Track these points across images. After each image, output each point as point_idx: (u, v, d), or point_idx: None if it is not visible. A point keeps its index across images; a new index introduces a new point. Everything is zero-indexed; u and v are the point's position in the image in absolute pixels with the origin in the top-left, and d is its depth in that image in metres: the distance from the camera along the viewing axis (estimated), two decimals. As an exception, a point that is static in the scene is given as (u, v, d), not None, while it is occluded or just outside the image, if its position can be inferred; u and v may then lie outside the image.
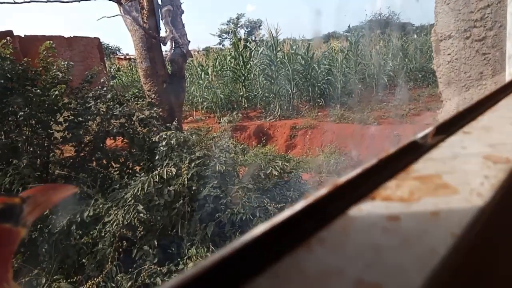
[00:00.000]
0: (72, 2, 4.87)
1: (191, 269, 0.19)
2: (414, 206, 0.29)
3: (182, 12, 5.66)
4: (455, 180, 0.32)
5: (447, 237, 0.24)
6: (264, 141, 8.84)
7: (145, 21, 5.21)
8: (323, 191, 0.27)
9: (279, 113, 9.84)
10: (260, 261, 0.22)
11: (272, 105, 10.32)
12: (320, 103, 10.45)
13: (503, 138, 0.41)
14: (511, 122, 0.46)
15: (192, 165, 3.70)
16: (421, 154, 0.38)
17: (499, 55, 1.25)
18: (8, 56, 4.09)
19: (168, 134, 4.02)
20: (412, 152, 0.38)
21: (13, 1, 4.67)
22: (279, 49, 10.89)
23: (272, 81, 10.51)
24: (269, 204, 3.67)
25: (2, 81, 3.98)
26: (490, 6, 1.27)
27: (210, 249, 3.39)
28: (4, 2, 4.67)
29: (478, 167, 0.35)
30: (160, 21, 5.48)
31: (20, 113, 3.91)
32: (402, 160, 0.36)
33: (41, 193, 0.68)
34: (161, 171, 3.55)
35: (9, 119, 3.97)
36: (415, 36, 14.88)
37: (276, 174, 4.12)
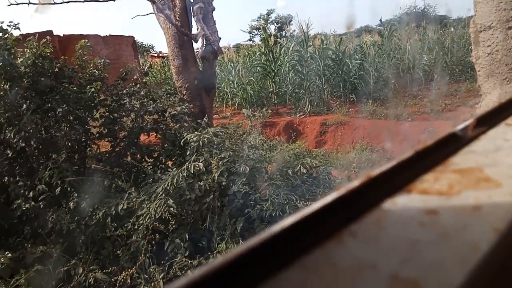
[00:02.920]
0: (108, 1, 5.04)
1: (223, 257, 0.19)
2: (454, 199, 0.27)
3: (213, 9, 5.70)
4: (498, 174, 0.30)
5: (490, 232, 0.23)
6: (293, 137, 8.78)
7: (178, 19, 5.29)
8: (355, 182, 0.26)
9: (309, 109, 9.74)
10: (290, 253, 0.21)
11: (302, 101, 10.23)
12: (352, 99, 10.25)
13: (550, 130, 0.39)
14: (560, 114, 0.43)
15: (222, 161, 3.73)
16: (461, 146, 0.36)
17: (544, 45, 1.17)
18: (48, 55, 4.26)
19: (199, 130, 4.08)
20: (451, 144, 0.36)
21: (53, 2, 4.86)
22: (310, 44, 10.76)
23: (302, 76, 10.41)
24: (298, 201, 3.65)
25: (42, 79, 4.15)
26: (535, -6, 1.19)
27: (240, 244, 3.41)
28: (45, 3, 4.87)
29: (523, 161, 0.33)
30: (192, 18, 5.54)
31: (58, 110, 4.07)
32: (440, 152, 0.34)
33: None
34: (191, 166, 3.61)
35: (49, 115, 4.14)
36: (452, 29, 14.30)
37: (305, 171, 4.09)
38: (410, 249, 0.22)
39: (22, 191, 3.75)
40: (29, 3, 4.70)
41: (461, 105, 8.87)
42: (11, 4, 4.71)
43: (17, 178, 3.91)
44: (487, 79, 1.39)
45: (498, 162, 0.33)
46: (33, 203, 3.64)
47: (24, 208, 3.58)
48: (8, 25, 4.15)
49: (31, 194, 3.73)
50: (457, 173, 0.31)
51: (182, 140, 4.22)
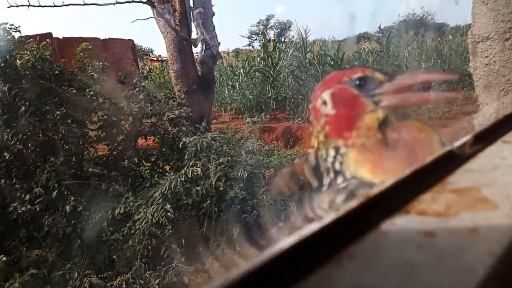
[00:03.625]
0: (107, 4, 5.05)
1: (219, 281, 0.19)
2: (451, 221, 0.27)
3: (213, 14, 5.72)
4: (495, 194, 0.31)
5: (486, 256, 0.23)
6: (291, 142, 8.79)
7: (177, 23, 5.30)
8: (354, 203, 0.26)
9: (307, 115, 9.75)
10: (287, 277, 0.21)
11: (300, 107, 10.25)
12: (350, 105, 10.26)
13: (546, 148, 0.39)
14: (556, 131, 0.43)
15: (220, 166, 3.73)
16: (458, 164, 0.36)
17: (542, 57, 1.19)
18: (47, 57, 4.27)
19: (197, 134, 4.08)
20: (449, 162, 0.36)
21: (53, 5, 4.87)
22: (308, 50, 10.80)
23: (301, 82, 10.44)
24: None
25: (42, 81, 4.15)
26: (533, 6, 1.21)
27: (236, 250, 3.40)
28: (45, 6, 4.88)
29: (520, 180, 0.33)
30: (192, 23, 5.57)
31: (57, 112, 4.06)
32: (437, 171, 0.34)
33: (413, 79, 0.67)
34: (189, 171, 3.60)
35: (47, 117, 4.13)
36: (450, 36, 14.40)
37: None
38: (408, 271, 0.22)
39: (18, 194, 3.73)
40: (29, 5, 4.71)
41: (459, 113, 8.90)
42: (11, 6, 4.72)
43: (14, 181, 3.89)
44: (484, 89, 1.40)
45: (495, 181, 0.33)
46: (29, 206, 3.61)
47: (20, 211, 3.56)
48: (9, 28, 4.16)
49: (27, 197, 3.71)
50: (455, 193, 0.31)
51: (180, 145, 4.22)
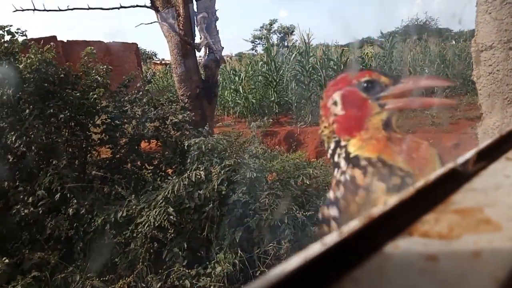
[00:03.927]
0: (112, 9, 5.08)
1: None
2: (454, 244, 0.27)
3: (217, 19, 5.75)
4: (498, 214, 0.31)
5: (489, 281, 0.23)
6: (294, 147, 8.78)
7: (181, 28, 5.33)
8: (357, 224, 0.27)
9: (310, 119, 9.75)
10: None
11: (303, 111, 10.25)
12: (353, 110, 10.25)
13: (550, 166, 0.39)
14: (559, 147, 0.43)
15: (223, 170, 3.73)
16: (461, 183, 0.36)
17: (545, 67, 1.19)
18: (51, 61, 4.29)
19: (199, 138, 4.09)
20: (452, 181, 0.36)
21: (58, 9, 4.91)
22: (311, 55, 10.81)
23: (304, 86, 10.44)
24: (298, 212, 3.65)
25: (46, 84, 4.18)
26: (536, 15, 1.21)
27: (238, 254, 3.40)
28: (50, 10, 4.91)
29: (523, 200, 0.33)
30: (195, 27, 5.59)
31: (60, 116, 4.08)
32: (441, 190, 0.34)
33: (415, 83, 0.71)
34: (192, 175, 3.60)
35: (51, 120, 4.15)
36: (454, 42, 14.38)
37: (305, 180, 4.09)
38: (411, 297, 0.22)
39: (21, 196, 3.75)
40: (34, 9, 4.75)
41: (462, 118, 8.87)
42: (17, 10, 4.75)
43: (17, 183, 3.91)
44: (488, 98, 1.40)
45: (498, 202, 0.33)
46: (32, 208, 3.63)
47: (23, 214, 3.57)
48: (16, 32, 4.19)
49: (30, 199, 3.73)
50: (458, 213, 0.31)
51: (183, 148, 4.23)
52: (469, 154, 0.39)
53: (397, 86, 0.70)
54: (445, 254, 0.26)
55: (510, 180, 0.37)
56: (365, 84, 0.71)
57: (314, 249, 0.24)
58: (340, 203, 0.68)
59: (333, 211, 0.69)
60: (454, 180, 0.36)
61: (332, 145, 0.74)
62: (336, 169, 0.73)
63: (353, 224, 0.27)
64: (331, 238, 0.25)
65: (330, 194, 0.71)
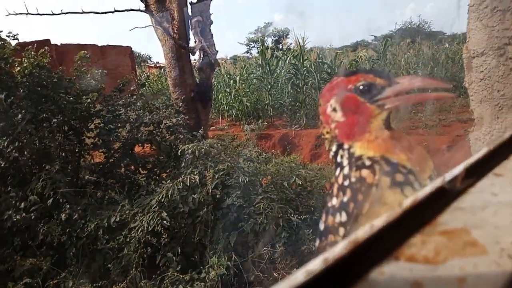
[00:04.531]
0: (106, 13, 5.06)
1: None
2: (440, 269, 0.27)
3: (211, 23, 5.75)
4: (484, 237, 0.30)
5: (475, 310, 0.23)
6: (289, 150, 8.78)
7: (175, 31, 5.32)
8: (343, 250, 0.26)
9: (304, 122, 9.78)
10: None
11: (297, 114, 10.27)
12: (347, 113, 10.28)
13: (538, 182, 0.39)
14: (548, 162, 0.43)
15: (217, 174, 3.72)
16: (449, 202, 0.36)
17: (536, 73, 1.20)
18: (45, 65, 4.26)
19: (194, 142, 4.08)
20: (439, 200, 0.36)
21: (51, 13, 4.88)
22: (306, 58, 10.85)
23: (299, 90, 10.47)
24: (292, 215, 3.65)
25: (39, 89, 4.15)
26: (526, 23, 1.22)
27: (232, 258, 3.39)
28: (44, 14, 4.88)
29: (509, 220, 0.33)
30: (190, 31, 5.59)
31: (53, 120, 4.05)
32: (428, 209, 0.34)
33: (411, 83, 0.72)
34: (186, 179, 3.59)
35: (44, 125, 4.12)
36: (447, 45, 14.51)
37: (300, 183, 4.09)
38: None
39: (13, 202, 3.71)
40: (28, 13, 4.72)
41: (455, 120, 8.93)
42: (10, 14, 4.72)
43: (9, 189, 3.87)
44: (479, 104, 1.41)
45: (485, 222, 0.33)
46: (24, 214, 3.59)
47: (15, 219, 3.53)
48: (7, 36, 4.16)
49: (22, 205, 3.69)
50: (445, 235, 0.31)
51: (177, 152, 4.21)
52: (457, 170, 0.39)
53: (393, 87, 0.71)
54: (430, 280, 0.26)
55: (497, 198, 0.37)
56: (361, 88, 0.72)
57: (298, 278, 0.24)
58: (348, 207, 0.67)
59: (340, 217, 0.68)
60: (441, 199, 0.36)
61: (334, 148, 0.75)
62: (338, 169, 0.73)
63: (338, 250, 0.26)
64: (316, 266, 0.25)
65: (333, 201, 0.71)
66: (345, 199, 0.69)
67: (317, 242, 0.76)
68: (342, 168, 0.72)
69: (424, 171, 0.69)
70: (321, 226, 0.74)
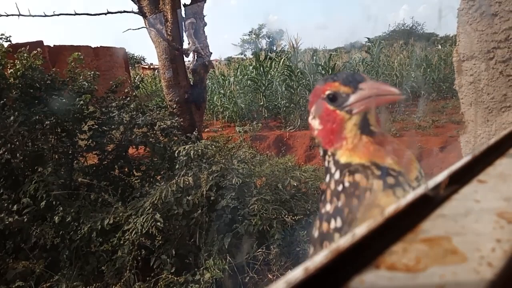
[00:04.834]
0: (99, 14, 5.04)
1: None
2: (420, 277, 0.28)
3: (205, 24, 5.74)
4: (465, 244, 0.31)
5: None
6: (283, 151, 8.79)
7: (169, 33, 5.31)
8: (323, 259, 0.26)
9: (299, 123, 9.80)
10: None
11: (292, 115, 10.29)
12: (341, 114, 10.32)
13: (520, 189, 0.40)
14: (531, 168, 0.44)
15: (211, 175, 3.72)
16: (432, 209, 0.36)
17: (524, 77, 1.21)
18: (38, 66, 4.23)
19: (188, 143, 4.07)
20: (422, 207, 0.36)
21: (43, 14, 4.85)
22: (299, 59, 10.88)
23: (293, 91, 10.49)
24: (286, 216, 3.65)
25: (31, 90, 4.12)
26: (515, 27, 1.24)
27: (227, 260, 3.38)
28: (36, 15, 4.85)
29: (491, 228, 0.33)
30: (184, 33, 5.58)
31: (46, 122, 4.03)
32: (410, 217, 0.35)
33: (372, 90, 0.74)
34: (180, 181, 3.58)
35: (36, 127, 4.09)
36: (439, 46, 14.62)
37: (294, 185, 4.10)
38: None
39: (5, 204, 3.68)
40: (19, 14, 4.68)
41: (448, 121, 9.01)
42: (1, 15, 4.68)
43: (1, 191, 3.84)
44: (470, 107, 1.43)
45: (466, 230, 0.33)
46: (16, 216, 3.56)
47: (7, 222, 3.50)
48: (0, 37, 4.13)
49: (15, 207, 3.66)
50: (426, 243, 0.32)
51: (171, 154, 4.20)
52: (441, 177, 0.39)
53: (355, 94, 0.74)
54: (409, 289, 0.26)
55: (480, 205, 0.37)
56: (330, 96, 0.76)
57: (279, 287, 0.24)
58: (343, 212, 0.68)
59: (335, 223, 0.69)
60: (424, 206, 0.36)
61: (321, 152, 0.78)
62: (328, 175, 0.75)
63: (319, 259, 0.27)
64: (296, 276, 0.25)
65: (327, 207, 0.71)
66: (340, 204, 0.70)
67: (311, 249, 0.76)
68: (331, 173, 0.73)
69: (411, 172, 0.70)
70: (315, 233, 0.74)
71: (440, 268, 0.28)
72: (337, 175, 0.72)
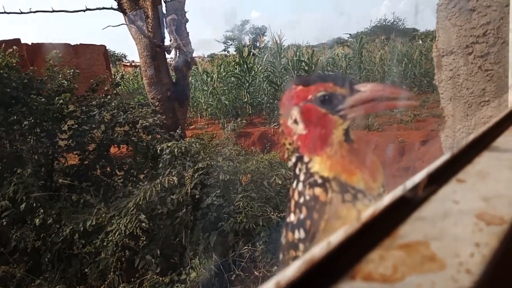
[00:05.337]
0: (77, 12, 4.92)
1: None
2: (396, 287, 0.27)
3: (187, 21, 5.68)
4: (443, 250, 0.30)
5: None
6: (268, 147, 8.80)
7: (150, 30, 5.23)
8: (296, 271, 0.25)
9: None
10: None
11: (276, 112, 10.29)
12: (325, 109, 10.40)
13: (499, 188, 0.39)
14: (509, 165, 0.43)
15: (196, 173, 3.68)
16: (410, 211, 0.35)
17: (502, 71, 1.23)
18: (14, 65, 4.12)
19: (172, 141, 4.02)
20: (400, 210, 0.35)
21: (19, 11, 4.71)
22: (283, 55, 10.88)
23: (276, 87, 10.50)
24: (272, 213, 3.65)
25: (8, 90, 4.00)
26: (492, 22, 1.25)
27: (213, 259, 3.37)
28: (11, 12, 4.71)
29: (469, 231, 0.32)
30: (165, 30, 5.51)
31: (25, 122, 3.93)
32: (388, 221, 0.34)
33: (372, 93, 0.69)
34: (165, 180, 3.54)
35: (14, 128, 3.99)
36: (420, 41, 14.83)
37: (280, 182, 4.10)
38: None
39: (-17, 208, 3.58)
40: (-5, 12, 4.54)
41: (429, 115, 9.15)
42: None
43: (-21, 194, 3.73)
44: (449, 102, 1.44)
45: (444, 233, 0.32)
46: (-5, 220, 3.48)
47: (-15, 226, 3.41)
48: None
49: (-7, 211, 3.57)
50: (403, 249, 0.30)
51: (155, 152, 4.15)
52: (419, 177, 0.38)
53: (354, 96, 0.69)
54: (386, 301, 0.25)
55: (458, 206, 0.36)
56: (322, 98, 0.70)
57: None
58: (306, 224, 0.67)
59: (299, 234, 0.68)
60: (402, 209, 0.35)
61: (294, 159, 0.73)
62: (295, 182, 0.72)
63: (292, 272, 0.25)
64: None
65: (291, 217, 0.70)
66: (302, 216, 0.69)
67: (281, 256, 0.75)
68: (298, 181, 0.71)
69: (375, 182, 0.69)
70: (283, 241, 0.73)
71: (418, 276, 0.27)
72: (300, 186, 0.70)
